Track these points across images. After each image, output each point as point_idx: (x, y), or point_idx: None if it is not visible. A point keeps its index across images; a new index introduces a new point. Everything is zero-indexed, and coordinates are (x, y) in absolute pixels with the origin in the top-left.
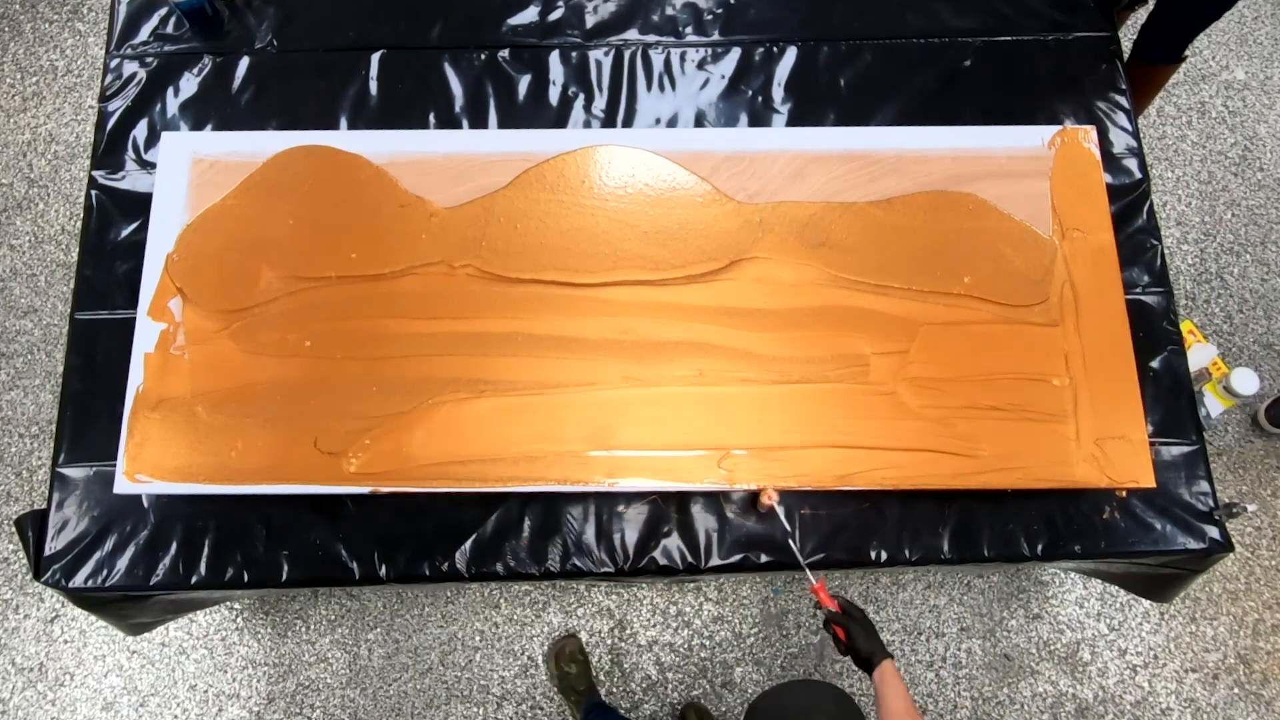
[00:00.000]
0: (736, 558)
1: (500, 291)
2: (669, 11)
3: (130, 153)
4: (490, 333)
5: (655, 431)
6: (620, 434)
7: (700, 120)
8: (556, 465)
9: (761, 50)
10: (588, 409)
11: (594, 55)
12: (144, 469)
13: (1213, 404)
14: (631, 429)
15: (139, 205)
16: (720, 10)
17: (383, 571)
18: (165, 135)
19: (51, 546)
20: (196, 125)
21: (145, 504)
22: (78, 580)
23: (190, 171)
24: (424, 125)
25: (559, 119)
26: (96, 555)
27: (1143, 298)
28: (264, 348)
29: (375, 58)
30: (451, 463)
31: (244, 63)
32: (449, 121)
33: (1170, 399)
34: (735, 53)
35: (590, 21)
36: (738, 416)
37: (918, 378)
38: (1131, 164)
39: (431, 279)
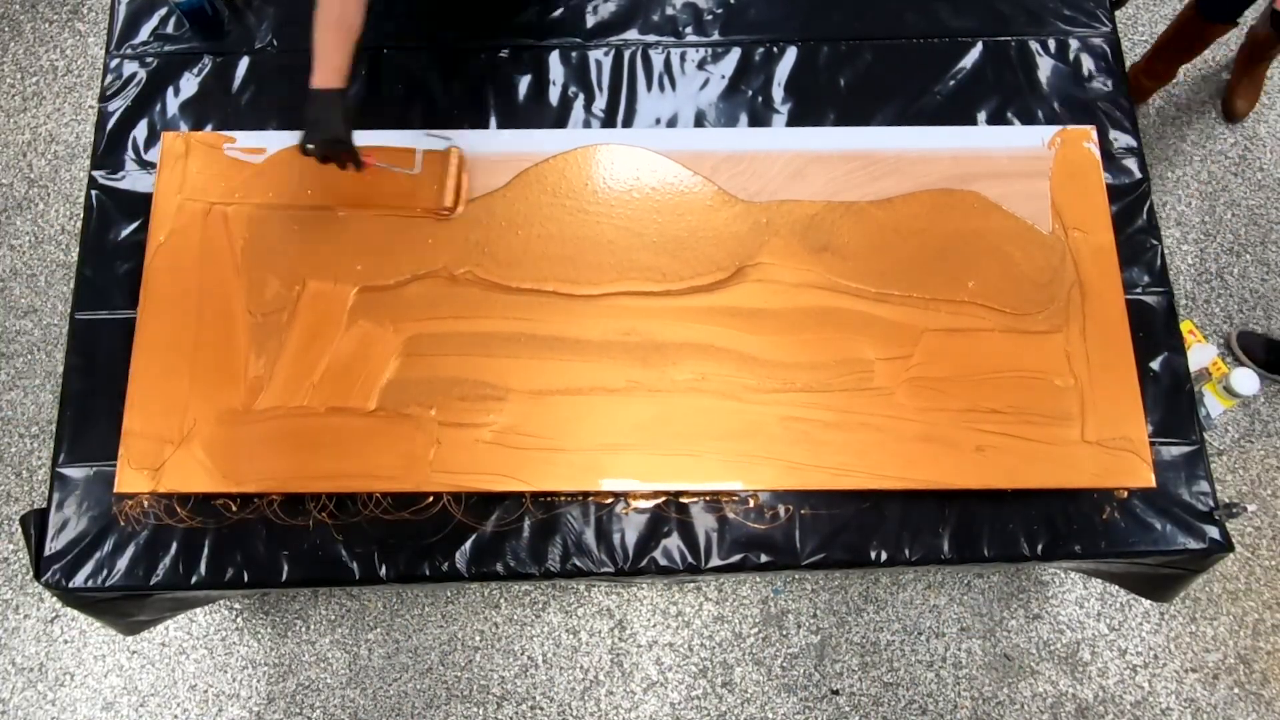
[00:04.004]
0: (736, 558)
1: (501, 297)
2: (669, 11)
3: (130, 153)
4: (493, 333)
5: (657, 434)
6: (622, 436)
7: (700, 120)
8: (558, 467)
9: (761, 50)
10: (590, 411)
11: (594, 55)
12: (143, 469)
13: (1213, 404)
14: (633, 431)
15: (139, 205)
16: (720, 10)
17: (383, 571)
18: (165, 135)
19: (51, 546)
20: (196, 125)
21: (145, 504)
22: (78, 580)
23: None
24: (424, 125)
25: (559, 119)
26: (96, 555)
27: (1143, 298)
28: (266, 349)
29: (375, 58)
30: (454, 465)
31: (244, 63)
32: (449, 122)
33: (1170, 399)
34: (735, 53)
35: (590, 21)
36: (739, 424)
37: (919, 378)
38: (1131, 164)
39: (435, 284)
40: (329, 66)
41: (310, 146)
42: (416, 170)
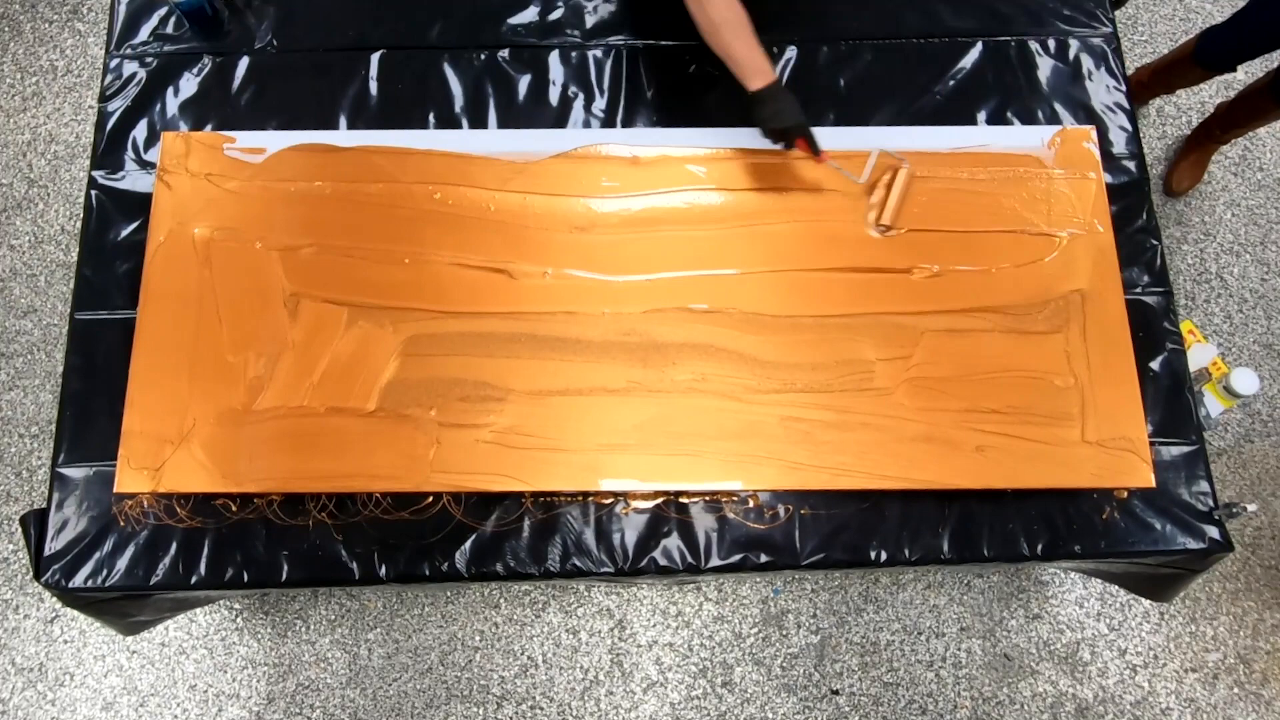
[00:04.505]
0: (736, 558)
1: (504, 284)
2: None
3: (130, 153)
4: (493, 333)
5: (657, 434)
6: (622, 436)
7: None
8: (558, 467)
9: None
10: (590, 411)
11: (594, 55)
12: (143, 469)
13: (1213, 404)
14: (633, 432)
15: (139, 205)
16: None
17: (383, 571)
18: (165, 135)
19: (51, 546)
20: (196, 125)
21: (145, 504)
22: (78, 580)
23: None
24: (424, 125)
25: (559, 119)
26: (96, 555)
27: (1143, 298)
28: (266, 349)
29: (375, 58)
30: (454, 465)
31: (244, 63)
32: (449, 121)
33: (1170, 399)
34: None
35: (590, 21)
36: (739, 424)
37: (919, 379)
38: (1131, 164)
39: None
40: (755, 68)
41: (777, 130)
42: (862, 179)
